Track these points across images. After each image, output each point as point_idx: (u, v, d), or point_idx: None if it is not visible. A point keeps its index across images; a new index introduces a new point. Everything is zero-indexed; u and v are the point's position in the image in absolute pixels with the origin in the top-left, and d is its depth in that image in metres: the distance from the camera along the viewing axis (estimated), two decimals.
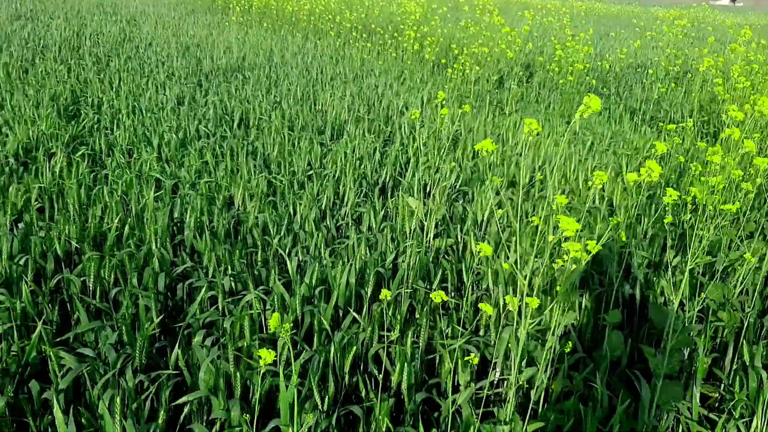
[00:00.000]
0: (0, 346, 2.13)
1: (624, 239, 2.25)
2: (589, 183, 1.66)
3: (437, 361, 2.42)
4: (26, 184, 3.63)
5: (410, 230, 3.31)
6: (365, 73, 7.86)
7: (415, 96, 6.81)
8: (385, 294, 1.73)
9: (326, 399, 1.98)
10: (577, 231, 1.30)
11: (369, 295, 2.64)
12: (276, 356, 2.24)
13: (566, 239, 1.36)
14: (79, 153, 4.25)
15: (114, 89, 5.87)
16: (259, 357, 1.42)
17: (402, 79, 7.82)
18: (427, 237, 3.20)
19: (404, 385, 2.08)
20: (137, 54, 7.71)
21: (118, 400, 1.63)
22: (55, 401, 1.63)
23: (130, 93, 5.78)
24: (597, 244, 1.59)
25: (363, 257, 2.87)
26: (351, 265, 2.65)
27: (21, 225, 3.19)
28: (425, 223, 3.25)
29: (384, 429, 1.86)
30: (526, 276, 1.66)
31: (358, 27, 10.46)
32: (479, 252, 1.66)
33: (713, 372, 2.64)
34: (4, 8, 11.02)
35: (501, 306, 2.55)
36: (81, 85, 5.99)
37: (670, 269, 2.75)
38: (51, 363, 1.97)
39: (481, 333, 2.61)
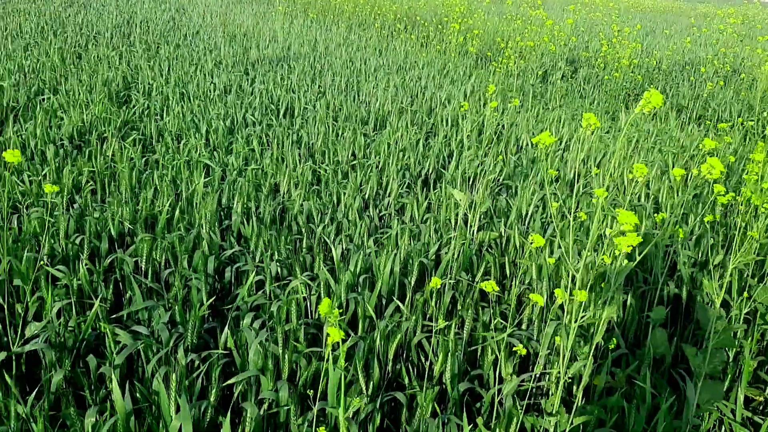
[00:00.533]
0: (59, 321, 2.21)
1: (682, 235, 2.22)
2: (629, 175, 1.64)
3: (479, 352, 2.44)
4: (79, 166, 3.75)
5: (454, 222, 3.32)
6: (408, 65, 7.87)
7: (458, 89, 6.79)
8: (435, 282, 1.75)
9: (371, 385, 2.02)
10: (635, 225, 1.31)
11: (412, 285, 2.67)
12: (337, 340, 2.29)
13: (620, 234, 1.36)
14: (131, 138, 4.36)
15: (164, 76, 5.99)
16: (327, 335, 1.45)
17: (445, 71, 7.80)
18: (471, 229, 3.21)
19: (447, 375, 2.11)
20: (185, 42, 7.85)
21: (174, 377, 1.69)
22: (113, 376, 1.69)
23: (179, 80, 5.90)
24: (646, 242, 1.58)
25: (406, 247, 2.90)
26: (395, 254, 2.68)
27: (75, 205, 3.30)
28: (469, 216, 3.26)
29: (428, 415, 1.89)
30: (577, 270, 1.67)
31: (403, 18, 10.46)
32: (531, 243, 1.67)
33: (759, 376, 2.61)
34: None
35: (546, 300, 2.55)
36: (132, 71, 6.13)
37: (711, 267, 2.71)
38: (107, 339, 2.05)
39: (524, 327, 2.62)
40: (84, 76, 5.67)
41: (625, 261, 1.50)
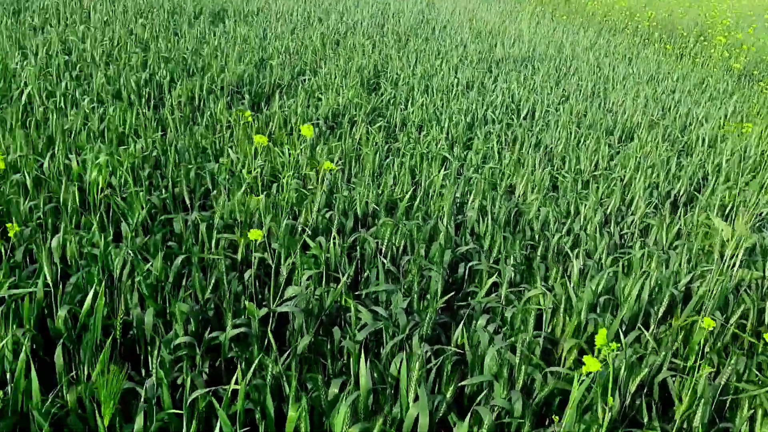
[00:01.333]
0: (306, 290, 2.35)
1: None
2: None
3: (728, 403, 2.17)
4: (330, 146, 3.98)
5: (716, 254, 3.00)
6: (661, 76, 7.32)
7: (717, 107, 6.18)
8: (708, 324, 1.57)
9: (609, 415, 1.88)
10: None
11: (659, 316, 2.45)
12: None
13: None
14: (377, 125, 4.54)
15: (411, 68, 6.18)
16: (582, 363, 1.37)
17: (703, 86, 7.14)
18: (728, 265, 2.88)
19: (695, 423, 1.89)
20: (433, 35, 8.05)
21: (416, 365, 1.71)
22: (361, 354, 1.75)
23: (425, 73, 6.05)
24: None
25: (655, 274, 2.66)
26: (644, 280, 2.48)
27: (325, 182, 3.51)
28: (729, 249, 2.92)
29: None
30: None
31: (658, 27, 9.77)
32: None
33: None
34: None
35: None
36: (382, 60, 6.41)
37: None
38: (352, 314, 2.13)
39: None
40: (340, 62, 6.04)
41: None
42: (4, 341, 1.63)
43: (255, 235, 1.99)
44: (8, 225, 1.81)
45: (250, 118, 2.69)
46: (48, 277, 1.97)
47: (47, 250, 2.05)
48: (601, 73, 7.00)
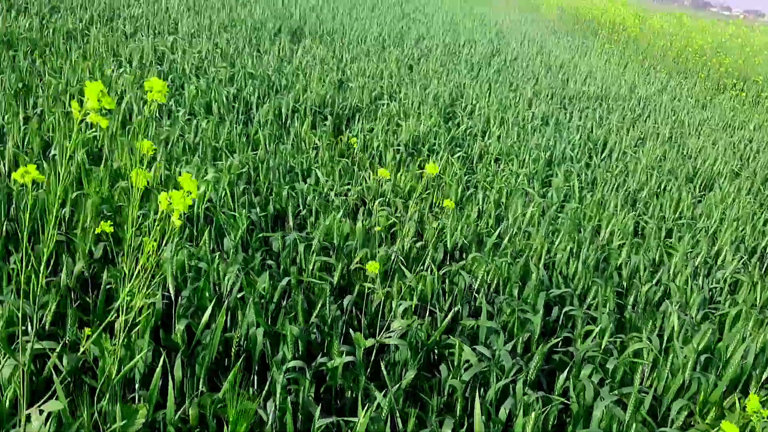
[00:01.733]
0: (411, 324, 2.35)
1: None
2: None
3: None
4: (412, 173, 4.01)
5: None
6: (737, 124, 7.19)
7: None
8: None
9: None
10: None
11: (762, 380, 2.39)
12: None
13: None
14: (457, 155, 4.56)
15: (485, 99, 6.19)
16: (688, 425, 1.35)
17: None
18: None
19: None
20: (505, 66, 8.06)
21: (532, 416, 1.70)
22: (477, 398, 1.74)
23: (500, 104, 6.06)
24: None
25: (760, 337, 2.60)
26: (749, 341, 2.43)
27: (410, 211, 3.52)
28: None
29: None
30: None
31: (733, 72, 9.61)
32: None
33: None
34: (390, 12, 12.40)
35: None
36: (456, 89, 6.44)
37: None
38: (455, 351, 2.13)
39: None
40: (416, 88, 6.09)
41: None
42: (142, 353, 1.67)
43: (373, 267, 2.01)
44: (145, 239, 1.86)
45: (356, 144, 2.72)
46: (171, 289, 2.02)
47: (170, 262, 2.11)
48: (676, 117, 6.91)
